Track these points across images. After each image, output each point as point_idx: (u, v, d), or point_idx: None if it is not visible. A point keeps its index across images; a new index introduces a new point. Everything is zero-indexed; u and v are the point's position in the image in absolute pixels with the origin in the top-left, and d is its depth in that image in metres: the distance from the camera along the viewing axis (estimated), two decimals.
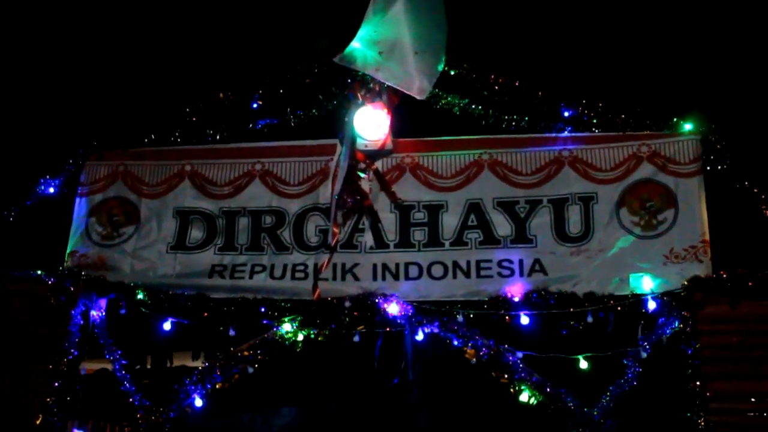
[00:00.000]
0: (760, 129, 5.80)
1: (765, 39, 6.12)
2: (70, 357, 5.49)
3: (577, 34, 6.26)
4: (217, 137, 6.05)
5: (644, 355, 5.16)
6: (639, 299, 5.26)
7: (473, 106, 5.84)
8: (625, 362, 5.26)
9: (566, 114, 5.72)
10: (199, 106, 5.98)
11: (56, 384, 5.42)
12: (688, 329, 5.17)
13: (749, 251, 5.38)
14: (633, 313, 5.29)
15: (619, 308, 5.25)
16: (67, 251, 5.92)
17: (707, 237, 5.39)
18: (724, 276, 5.21)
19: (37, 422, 5.33)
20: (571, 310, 5.29)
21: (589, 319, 5.24)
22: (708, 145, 5.56)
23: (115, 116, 6.21)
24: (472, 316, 5.36)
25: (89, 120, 6.25)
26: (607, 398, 5.22)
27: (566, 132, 5.73)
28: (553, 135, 5.73)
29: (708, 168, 5.55)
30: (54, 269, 5.74)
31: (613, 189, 5.57)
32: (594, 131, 5.70)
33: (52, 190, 6.01)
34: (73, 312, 5.53)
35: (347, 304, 5.40)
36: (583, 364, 5.36)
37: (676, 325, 5.20)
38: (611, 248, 5.46)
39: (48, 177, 5.98)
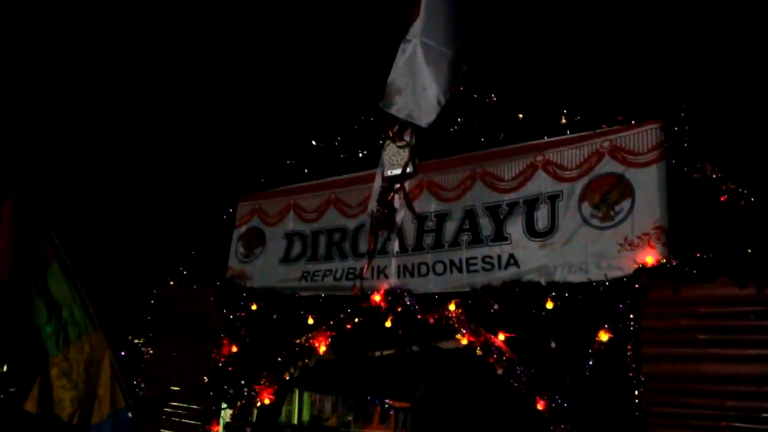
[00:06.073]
0: (722, 115, 5.54)
1: (727, 29, 5.70)
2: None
3: (548, 42, 6.60)
4: (313, 176, 8.05)
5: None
6: (591, 287, 5.64)
7: (474, 125, 6.78)
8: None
9: (545, 121, 6.29)
10: (296, 156, 8.12)
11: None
12: (632, 314, 5.38)
13: (709, 236, 5.28)
14: (592, 301, 5.65)
15: (574, 296, 5.69)
16: (228, 266, 8.48)
17: (661, 224, 5.52)
18: (670, 261, 5.30)
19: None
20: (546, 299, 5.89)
21: (549, 306, 5.80)
22: (669, 133, 5.60)
23: (251, 171, 8.70)
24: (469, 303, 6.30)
25: (238, 176, 8.88)
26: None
27: (544, 138, 6.29)
28: (532, 143, 6.34)
29: (671, 156, 5.59)
30: (220, 279, 8.34)
31: (576, 186, 6.01)
32: (567, 133, 6.15)
33: (219, 225, 8.71)
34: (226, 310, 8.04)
35: (376, 297, 6.86)
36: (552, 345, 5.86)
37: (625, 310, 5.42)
38: (572, 240, 5.91)
39: (217, 216, 8.71)
